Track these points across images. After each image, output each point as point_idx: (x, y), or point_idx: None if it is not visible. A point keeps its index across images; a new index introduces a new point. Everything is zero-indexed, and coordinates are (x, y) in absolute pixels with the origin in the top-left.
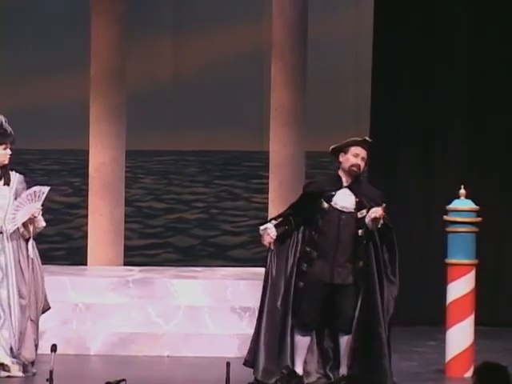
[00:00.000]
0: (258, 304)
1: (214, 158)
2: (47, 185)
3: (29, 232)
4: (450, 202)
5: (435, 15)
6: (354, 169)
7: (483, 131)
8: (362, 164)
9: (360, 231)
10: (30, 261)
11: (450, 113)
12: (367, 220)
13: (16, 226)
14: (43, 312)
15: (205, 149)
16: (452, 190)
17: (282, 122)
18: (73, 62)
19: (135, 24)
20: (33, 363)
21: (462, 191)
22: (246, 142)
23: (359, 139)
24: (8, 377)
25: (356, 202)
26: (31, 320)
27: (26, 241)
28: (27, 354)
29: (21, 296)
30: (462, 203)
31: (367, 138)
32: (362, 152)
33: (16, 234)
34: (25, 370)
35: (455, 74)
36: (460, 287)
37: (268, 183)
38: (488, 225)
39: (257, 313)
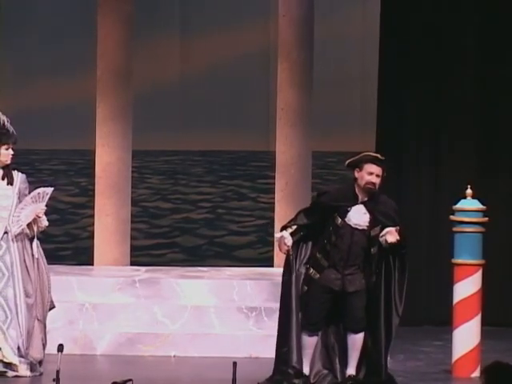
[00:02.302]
0: (262, 303)
1: (221, 157)
2: (51, 186)
3: (32, 231)
4: (456, 202)
5: (443, 14)
6: (369, 187)
7: (490, 131)
8: (378, 181)
9: (372, 249)
10: (35, 260)
11: (456, 113)
12: (381, 239)
13: (21, 228)
14: (48, 310)
15: (211, 149)
16: (459, 190)
17: (289, 122)
18: (79, 62)
19: (142, 24)
20: (41, 362)
21: (469, 191)
22: (253, 142)
23: (373, 155)
24: (16, 376)
25: (370, 219)
26: (38, 319)
27: (31, 240)
28: (35, 353)
29: (27, 295)
30: (469, 203)
31: (379, 156)
32: (376, 170)
33: (21, 234)
34: (32, 370)
35: (463, 73)
36: (467, 287)
37: (274, 183)
38: (495, 225)
39: (263, 313)
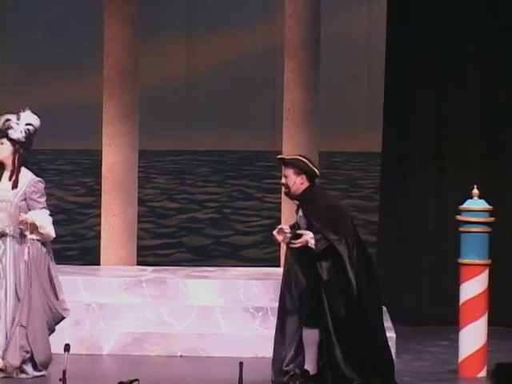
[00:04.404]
0: (269, 303)
1: (227, 157)
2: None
3: (26, 228)
4: (462, 202)
5: (449, 13)
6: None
7: (496, 131)
8: (285, 181)
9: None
10: (26, 265)
11: (462, 113)
12: None
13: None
14: (58, 322)
15: (217, 149)
16: (465, 189)
17: (295, 122)
18: (86, 62)
19: (148, 24)
20: (36, 366)
21: (475, 191)
22: (259, 142)
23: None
24: (19, 377)
25: (306, 221)
26: (21, 325)
27: (29, 245)
28: (11, 359)
29: (19, 300)
30: (475, 203)
31: (281, 157)
32: (283, 171)
33: (18, 239)
34: (22, 371)
35: (469, 72)
36: (473, 287)
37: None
38: (501, 225)
39: (269, 313)
